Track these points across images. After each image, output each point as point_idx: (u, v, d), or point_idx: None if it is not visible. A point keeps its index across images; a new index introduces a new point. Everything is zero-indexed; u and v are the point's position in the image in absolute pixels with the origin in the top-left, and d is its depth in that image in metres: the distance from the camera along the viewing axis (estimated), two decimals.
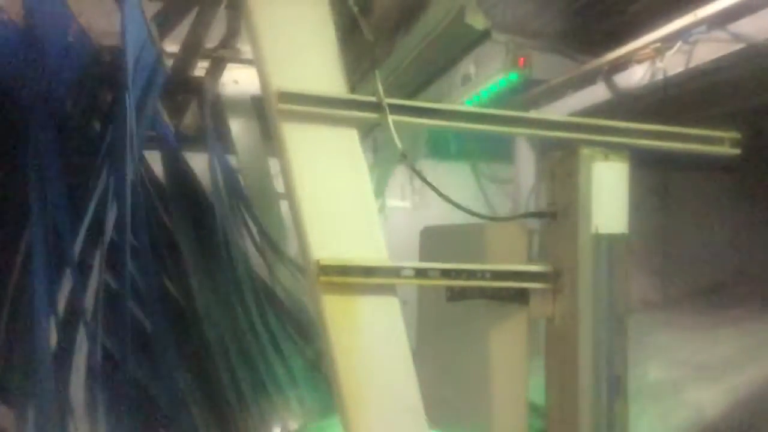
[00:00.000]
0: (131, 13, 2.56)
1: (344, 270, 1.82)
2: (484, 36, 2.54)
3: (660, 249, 7.06)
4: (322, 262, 1.80)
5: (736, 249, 8.10)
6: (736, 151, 2.07)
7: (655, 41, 4.39)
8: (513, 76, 4.98)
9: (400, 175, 6.28)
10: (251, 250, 3.83)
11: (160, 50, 3.05)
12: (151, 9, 3.13)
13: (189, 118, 4.09)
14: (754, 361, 4.52)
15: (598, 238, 1.96)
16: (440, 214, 2.46)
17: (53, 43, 2.52)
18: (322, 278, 1.80)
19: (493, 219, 2.63)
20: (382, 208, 5.67)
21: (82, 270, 2.54)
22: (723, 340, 5.12)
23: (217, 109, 4.18)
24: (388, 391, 1.88)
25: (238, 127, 4.40)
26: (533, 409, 2.23)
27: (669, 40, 4.28)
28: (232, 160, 4.56)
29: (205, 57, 3.91)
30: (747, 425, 3.78)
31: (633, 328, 2.01)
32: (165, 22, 3.20)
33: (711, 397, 3.88)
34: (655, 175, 7.02)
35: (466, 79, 5.29)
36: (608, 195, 1.97)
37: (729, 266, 8.00)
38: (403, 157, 2.05)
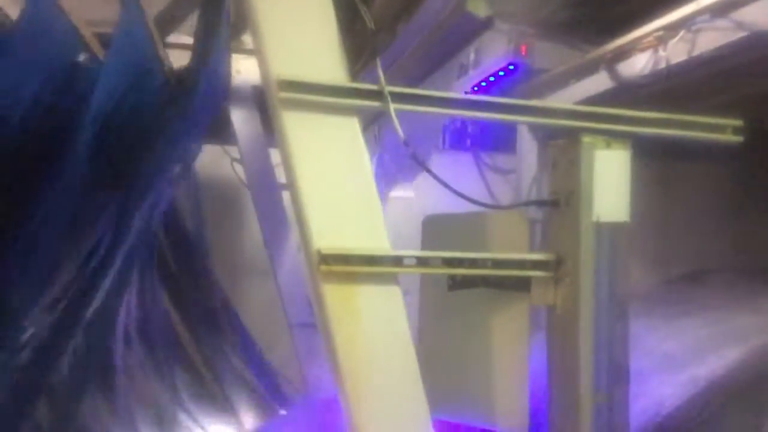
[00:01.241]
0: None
1: (345, 259, 1.82)
2: (487, 24, 2.54)
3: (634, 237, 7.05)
4: (323, 251, 1.80)
5: (717, 239, 8.12)
6: (739, 138, 2.06)
7: (657, 29, 4.35)
8: (515, 65, 4.96)
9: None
10: None
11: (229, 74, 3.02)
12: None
13: None
14: (719, 351, 4.54)
15: (600, 226, 1.96)
16: (442, 204, 2.46)
17: (128, 75, 2.51)
18: (323, 267, 1.79)
19: (495, 208, 2.64)
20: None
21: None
22: (691, 329, 5.13)
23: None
24: (390, 380, 1.88)
25: (239, 118, 4.40)
26: None
27: (672, 29, 4.24)
28: (233, 151, 4.57)
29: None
30: (707, 416, 3.79)
31: None
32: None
33: (673, 387, 3.89)
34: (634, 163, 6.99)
35: (468, 68, 5.27)
36: (610, 183, 1.97)
37: (708, 255, 8.03)
38: (406, 146, 2.05)
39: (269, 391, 3.72)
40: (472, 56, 5.21)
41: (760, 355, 4.52)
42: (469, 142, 6.43)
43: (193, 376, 3.58)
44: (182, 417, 3.38)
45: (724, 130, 2.07)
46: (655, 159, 6.99)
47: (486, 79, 5.21)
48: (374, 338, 1.86)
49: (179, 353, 3.58)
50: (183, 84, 2.75)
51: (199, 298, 3.75)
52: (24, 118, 2.26)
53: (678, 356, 4.44)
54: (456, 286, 2.16)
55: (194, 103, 2.71)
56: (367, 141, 1.98)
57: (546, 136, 5.79)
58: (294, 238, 4.33)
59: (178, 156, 2.91)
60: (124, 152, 2.64)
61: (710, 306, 6.06)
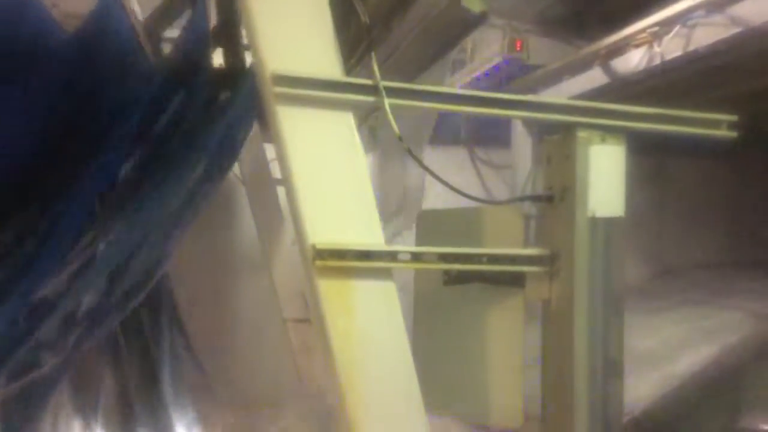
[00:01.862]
0: None
1: (340, 254, 1.81)
2: (482, 19, 2.53)
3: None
4: (318, 246, 1.79)
5: (710, 233, 8.16)
6: (734, 133, 2.06)
7: (652, 25, 4.37)
8: (510, 60, 4.96)
9: None
10: None
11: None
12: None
13: None
14: (694, 348, 4.59)
15: (595, 221, 1.96)
16: (437, 199, 2.46)
17: (183, 74, 2.52)
18: (318, 262, 1.79)
19: (490, 203, 2.64)
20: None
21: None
22: (668, 326, 5.17)
23: None
24: (385, 376, 1.88)
25: None
26: None
27: (667, 24, 4.26)
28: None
29: None
30: (681, 412, 3.83)
31: None
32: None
33: (648, 384, 3.92)
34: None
35: (463, 63, 5.27)
36: (605, 178, 1.97)
37: (701, 250, 8.06)
38: (401, 141, 2.04)
39: (178, 416, 3.60)
40: (467, 51, 5.21)
41: (735, 352, 4.59)
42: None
43: (117, 386, 3.46)
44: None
45: (719, 125, 2.07)
46: (650, 154, 7.02)
47: (481, 74, 5.22)
48: (369, 333, 1.86)
49: (113, 357, 3.47)
50: (224, 83, 2.76)
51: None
52: (72, 114, 2.27)
53: (654, 353, 4.48)
54: (451, 281, 2.16)
55: (235, 103, 2.71)
56: (362, 137, 1.97)
57: (541, 132, 5.81)
58: (289, 233, 4.32)
59: (220, 154, 2.91)
60: (167, 149, 2.65)
61: (689, 302, 6.15)
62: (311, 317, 4.04)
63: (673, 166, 7.93)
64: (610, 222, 1.98)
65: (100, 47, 2.22)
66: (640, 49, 4.54)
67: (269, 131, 1.95)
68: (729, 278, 7.39)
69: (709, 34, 4.00)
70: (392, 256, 1.89)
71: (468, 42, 4.94)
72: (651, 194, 7.60)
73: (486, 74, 5.17)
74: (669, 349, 4.57)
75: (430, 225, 2.52)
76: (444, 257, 1.97)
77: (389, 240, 1.93)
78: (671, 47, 4.27)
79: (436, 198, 2.46)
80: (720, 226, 8.33)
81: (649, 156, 7.12)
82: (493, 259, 2.00)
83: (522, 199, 2.30)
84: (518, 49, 4.90)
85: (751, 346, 4.74)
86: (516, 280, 2.09)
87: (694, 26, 4.07)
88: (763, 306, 5.73)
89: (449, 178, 2.06)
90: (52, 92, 2.19)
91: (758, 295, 6.21)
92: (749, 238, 8.27)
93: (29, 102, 2.17)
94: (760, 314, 5.48)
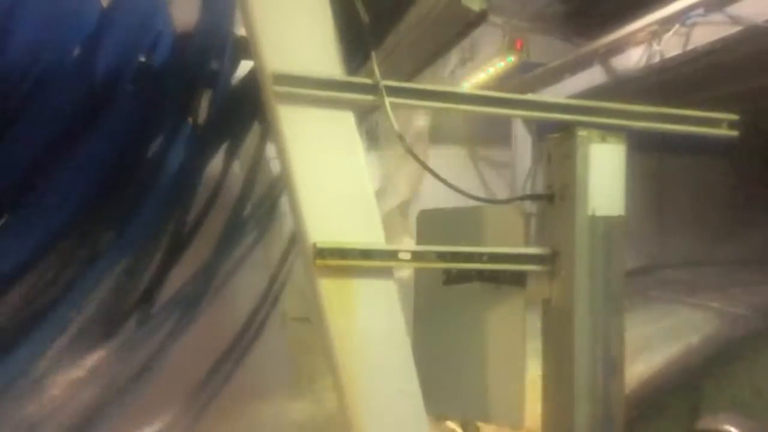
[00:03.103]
0: None
1: (341, 253, 1.81)
2: (481, 18, 2.52)
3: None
4: (319, 245, 1.79)
5: (707, 231, 8.17)
6: (734, 132, 2.06)
7: (652, 23, 4.37)
8: (510, 59, 4.96)
9: None
10: None
11: None
12: None
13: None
14: (657, 348, 4.58)
15: (595, 220, 1.96)
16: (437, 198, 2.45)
17: None
18: (319, 261, 1.79)
19: (490, 202, 2.64)
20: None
21: None
22: (633, 327, 5.16)
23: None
24: (385, 375, 1.88)
25: None
26: None
27: (666, 23, 4.26)
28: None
29: None
30: (638, 414, 3.83)
31: None
32: None
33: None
34: None
35: (463, 62, 5.27)
36: (605, 177, 1.97)
37: (698, 247, 8.06)
38: (401, 140, 2.04)
39: None
40: (466, 50, 5.21)
41: (697, 352, 4.58)
42: None
43: None
44: None
45: (719, 124, 2.07)
46: (648, 152, 7.02)
47: (481, 73, 5.21)
48: (369, 332, 1.86)
49: None
50: None
51: None
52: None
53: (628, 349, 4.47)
54: (451, 280, 2.16)
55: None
56: (362, 135, 1.97)
57: (540, 130, 5.82)
58: (289, 231, 4.32)
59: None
60: None
61: (654, 300, 6.13)
62: (311, 316, 4.04)
63: (666, 163, 7.94)
64: (610, 221, 1.98)
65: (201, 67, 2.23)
66: (640, 47, 4.54)
67: (268, 129, 1.94)
68: (698, 276, 7.39)
69: (708, 32, 4.01)
70: (393, 255, 1.89)
71: (468, 41, 4.94)
72: (644, 192, 7.61)
73: (487, 73, 5.15)
74: (632, 350, 4.58)
75: (430, 224, 2.51)
76: (444, 256, 1.97)
77: None
78: (671, 46, 4.27)
79: (435, 197, 2.45)
80: (710, 224, 8.34)
81: (645, 154, 7.13)
82: (494, 258, 2.00)
83: (522, 198, 2.30)
84: (518, 48, 4.89)
85: (714, 345, 4.73)
86: (517, 279, 2.09)
87: (693, 25, 4.08)
88: (727, 305, 5.71)
89: (449, 177, 2.06)
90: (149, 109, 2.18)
91: (724, 293, 6.16)
92: (736, 237, 8.28)
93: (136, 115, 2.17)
94: (724, 313, 5.45)
